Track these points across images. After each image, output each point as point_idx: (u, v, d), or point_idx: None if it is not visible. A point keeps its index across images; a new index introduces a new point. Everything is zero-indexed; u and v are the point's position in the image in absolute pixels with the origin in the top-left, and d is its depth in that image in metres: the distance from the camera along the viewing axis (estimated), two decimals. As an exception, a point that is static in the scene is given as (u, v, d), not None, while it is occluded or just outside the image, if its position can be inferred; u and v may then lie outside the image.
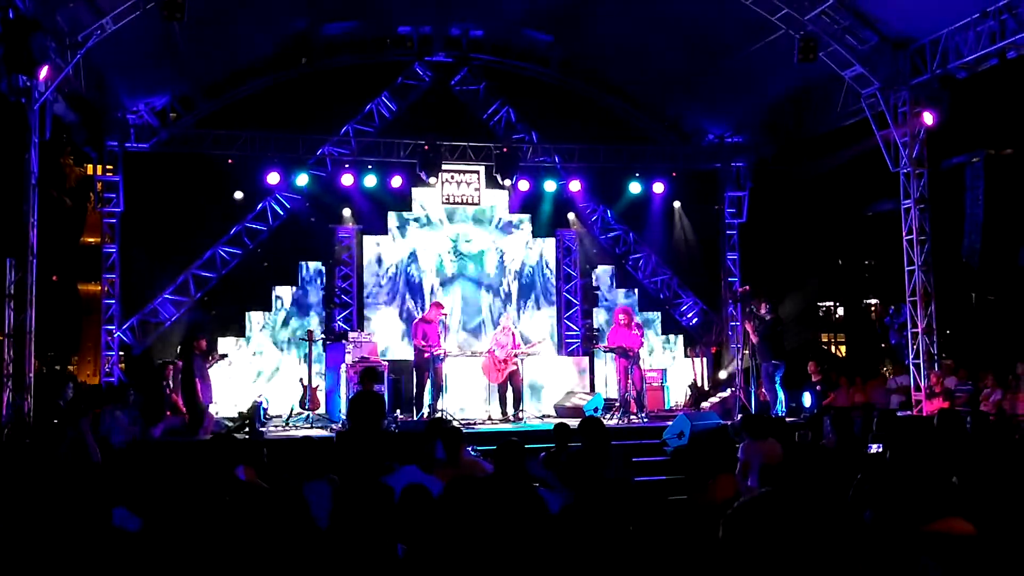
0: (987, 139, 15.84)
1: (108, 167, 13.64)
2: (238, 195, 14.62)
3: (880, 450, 6.55)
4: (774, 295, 13.31)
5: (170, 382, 11.65)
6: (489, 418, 12.47)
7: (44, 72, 9.59)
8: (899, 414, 11.24)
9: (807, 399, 12.65)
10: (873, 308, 21.61)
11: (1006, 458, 5.12)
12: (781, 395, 11.88)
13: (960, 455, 5.73)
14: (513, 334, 12.51)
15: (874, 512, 3.70)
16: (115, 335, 13.77)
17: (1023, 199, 16.54)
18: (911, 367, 12.42)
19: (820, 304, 21.97)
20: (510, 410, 12.23)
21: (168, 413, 11.26)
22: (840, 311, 22.71)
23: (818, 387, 12.57)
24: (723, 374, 14.84)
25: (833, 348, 21.85)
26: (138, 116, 13.78)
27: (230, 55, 13.81)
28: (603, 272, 16.11)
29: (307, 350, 12.47)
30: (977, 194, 16.88)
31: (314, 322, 14.63)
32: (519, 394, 12.34)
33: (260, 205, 14.68)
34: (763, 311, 12.03)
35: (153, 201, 13.88)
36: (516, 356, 12.26)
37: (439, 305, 12.42)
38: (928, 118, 11.89)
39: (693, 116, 15.87)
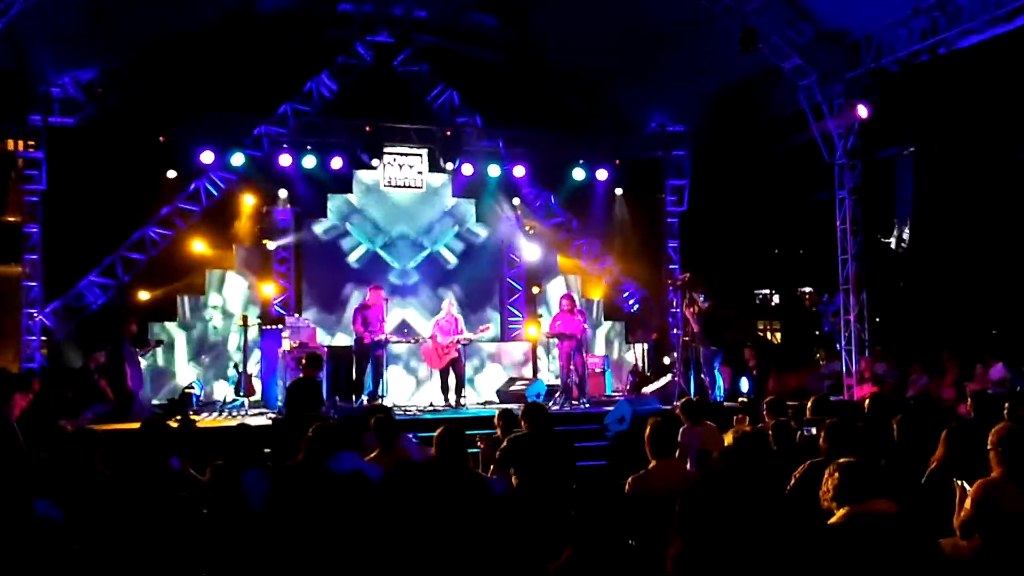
0: (917, 132, 16.28)
1: (30, 143, 13.06)
2: (171, 174, 14.16)
3: (813, 433, 6.68)
4: (713, 283, 13.48)
5: (99, 367, 11.28)
6: (431, 404, 12.37)
7: (-38, 41, 9.14)
8: (831, 399, 11.49)
9: (744, 385, 12.86)
10: (807, 296, 22.08)
11: (930, 442, 5.28)
12: (720, 381, 12.04)
13: (889, 438, 5.88)
14: (456, 319, 12.43)
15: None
16: (36, 319, 13.22)
17: (950, 192, 17.08)
18: (843, 353, 12.74)
19: (757, 292, 22.36)
20: (452, 396, 12.16)
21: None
22: (776, 299, 23.14)
23: (755, 373, 12.78)
24: (667, 360, 14.98)
25: (769, 335, 22.26)
26: (63, 90, 13.18)
27: (163, 28, 13.28)
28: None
29: (243, 336, 12.18)
30: (906, 186, 17.37)
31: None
32: (461, 380, 12.27)
33: (193, 185, 14.24)
34: (701, 299, 12.16)
35: (79, 179, 13.31)
36: (458, 342, 12.18)
37: (378, 288, 12.25)
38: (862, 111, 12.17)
39: (636, 104, 15.91)
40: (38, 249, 13.23)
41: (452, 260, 15.28)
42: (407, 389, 13.84)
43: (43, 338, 13.38)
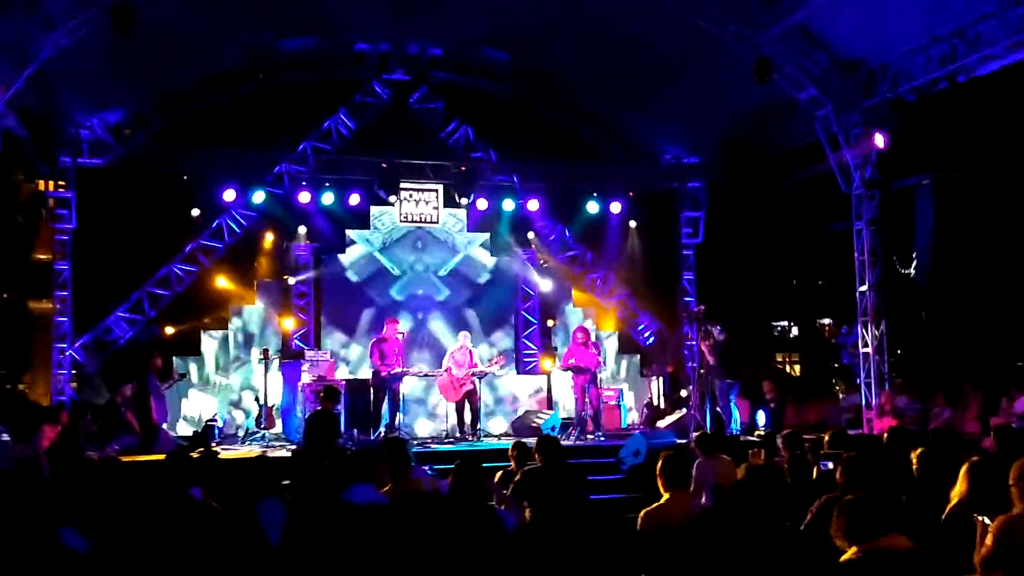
0: (937, 162, 16.22)
1: (60, 183, 13.39)
2: (195, 212, 14.45)
3: (830, 468, 6.65)
4: (730, 315, 13.46)
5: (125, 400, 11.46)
6: (447, 437, 12.42)
7: (-6, 86, 9.44)
8: (849, 432, 11.41)
9: (761, 418, 12.80)
10: (827, 328, 21.94)
11: (951, 477, 5.22)
12: (736, 414, 12.00)
13: (908, 473, 5.83)
14: (470, 352, 12.51)
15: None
16: (67, 353, 13.47)
17: (971, 221, 16.96)
18: (862, 386, 12.61)
19: (775, 324, 22.25)
20: (468, 429, 12.21)
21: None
22: (795, 331, 23.01)
23: (772, 405, 12.73)
24: (683, 393, 14.95)
25: (788, 367, 22.12)
26: (91, 131, 13.55)
27: (186, 70, 13.69)
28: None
29: (263, 369, 12.33)
30: (926, 216, 17.31)
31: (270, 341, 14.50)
32: (476, 413, 12.33)
33: (216, 222, 14.51)
34: (716, 331, 12.15)
35: (106, 218, 13.64)
36: (473, 375, 12.25)
37: (394, 322, 12.38)
38: (879, 140, 12.09)
39: (650, 136, 16.05)
40: (68, 286, 13.53)
41: (467, 294, 15.38)
42: (423, 421, 13.91)
43: (73, 371, 13.60)
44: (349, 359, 14.59)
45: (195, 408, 13.93)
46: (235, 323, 14.65)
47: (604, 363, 14.57)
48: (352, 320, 14.88)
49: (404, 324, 13.47)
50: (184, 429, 13.36)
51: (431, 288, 15.22)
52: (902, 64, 11.47)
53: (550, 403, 14.55)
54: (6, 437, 9.36)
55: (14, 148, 12.09)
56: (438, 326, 15.04)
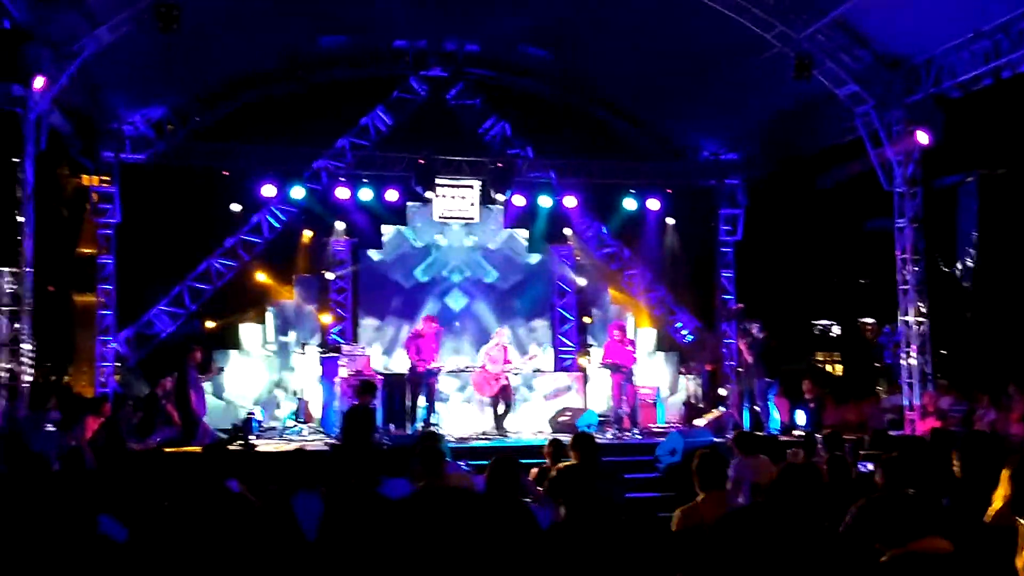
0: (981, 159, 15.87)
1: (104, 178, 13.63)
2: (235, 207, 14.63)
3: (871, 470, 6.55)
4: (770, 313, 13.30)
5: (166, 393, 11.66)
6: (483, 433, 12.44)
7: (39, 83, 9.63)
8: (891, 433, 11.22)
9: (800, 417, 12.64)
10: (868, 327, 21.59)
11: (994, 479, 5.11)
12: (775, 413, 11.87)
13: (950, 475, 5.72)
14: (505, 348, 12.52)
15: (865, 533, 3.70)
16: (110, 346, 13.71)
17: (1016, 219, 16.58)
18: (904, 387, 12.41)
19: (815, 323, 21.94)
20: (505, 424, 12.23)
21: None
22: (836, 330, 22.68)
23: (811, 405, 12.56)
24: (722, 391, 14.81)
25: (828, 367, 21.81)
26: (134, 127, 13.79)
27: (227, 67, 13.85)
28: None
29: (302, 363, 12.45)
30: (971, 214, 16.94)
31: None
32: (508, 409, 12.34)
33: (255, 218, 14.68)
34: (755, 330, 12.02)
35: (149, 212, 13.86)
36: (508, 371, 12.26)
37: (431, 319, 12.43)
38: (922, 137, 11.88)
39: (688, 132, 15.92)
40: (112, 279, 13.76)
41: (503, 290, 15.39)
42: (458, 417, 13.94)
43: (116, 364, 13.85)
44: (386, 348, 14.71)
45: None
46: (273, 317, 14.81)
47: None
48: (388, 315, 14.96)
49: (440, 319, 13.52)
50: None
51: (469, 286, 15.25)
52: (946, 60, 11.27)
53: (586, 400, 14.51)
54: (52, 428, 9.59)
55: (59, 144, 12.33)
56: (474, 322, 15.07)
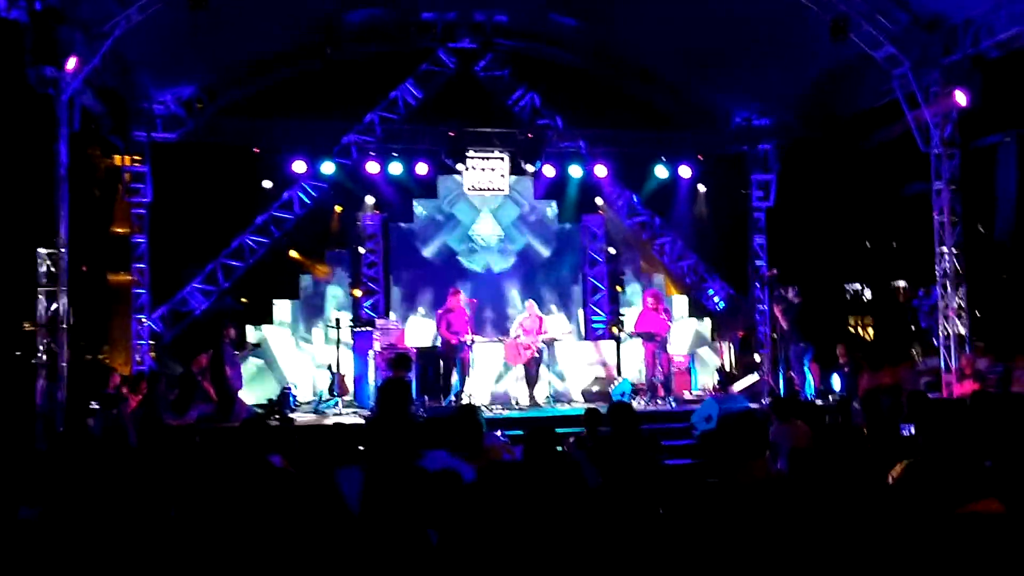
0: (1020, 119, 15.55)
1: (136, 157, 13.72)
2: (267, 184, 14.71)
3: (913, 432, 6.50)
4: (802, 278, 13.19)
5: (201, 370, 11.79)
6: (516, 403, 12.50)
7: (72, 63, 9.68)
8: (930, 396, 11.12)
9: (836, 382, 12.56)
10: (901, 290, 21.34)
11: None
12: (810, 378, 11.81)
13: (993, 437, 5.67)
14: (540, 319, 12.54)
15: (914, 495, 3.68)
16: (145, 324, 13.91)
17: (1057, 178, 16.23)
18: (941, 349, 12.29)
19: (847, 287, 21.76)
20: (536, 394, 12.29)
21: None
22: (868, 293, 22.46)
23: (846, 370, 12.46)
24: (757, 357, 14.74)
25: (860, 331, 21.64)
26: (165, 107, 13.87)
27: (255, 44, 13.83)
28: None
29: (336, 337, 12.55)
30: (1009, 173, 16.60)
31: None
32: (536, 378, 12.42)
33: (286, 194, 14.76)
34: (791, 294, 11.94)
35: (181, 191, 13.98)
36: (543, 341, 12.30)
37: (457, 292, 12.46)
38: (960, 98, 11.68)
39: (720, 99, 15.71)
40: (145, 258, 13.91)
41: (535, 260, 15.38)
42: (492, 387, 14.01)
43: (151, 342, 14.05)
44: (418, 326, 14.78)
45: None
46: (305, 292, 14.93)
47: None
48: (420, 288, 15.03)
49: (467, 291, 13.56)
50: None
51: (498, 255, 15.26)
52: (984, 20, 11.07)
53: (619, 369, 14.51)
54: (95, 406, 9.77)
55: (91, 124, 12.42)
56: (504, 292, 15.10)
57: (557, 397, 13.10)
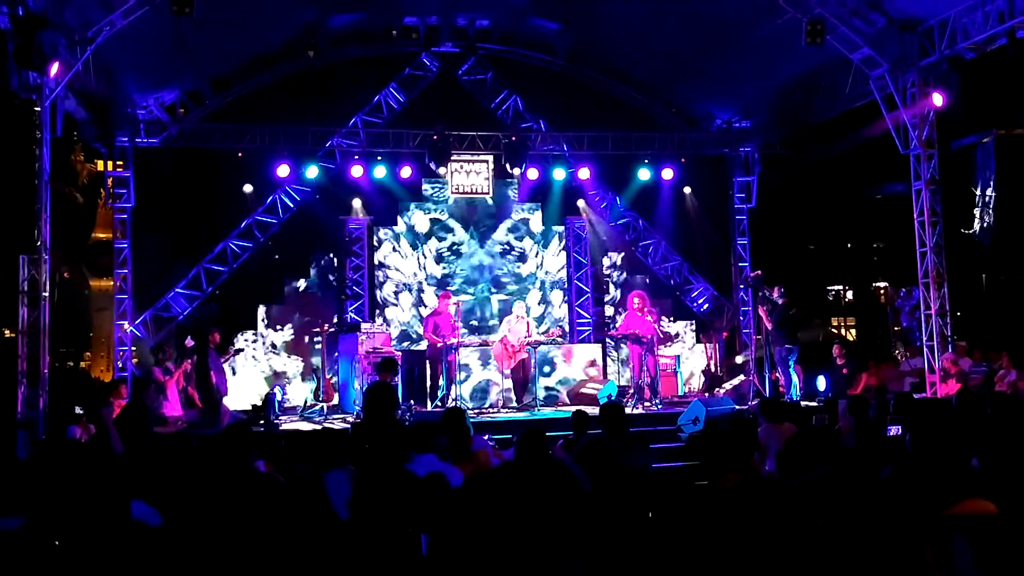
0: (997, 119, 15.73)
1: (118, 163, 13.63)
2: (248, 188, 14.64)
3: (899, 433, 6.56)
4: (784, 279, 13.28)
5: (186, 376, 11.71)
6: (504, 406, 12.50)
7: (54, 69, 9.61)
8: (915, 396, 11.23)
9: (821, 383, 12.64)
10: (882, 291, 21.54)
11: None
12: (795, 379, 11.87)
13: (980, 436, 5.72)
14: (527, 323, 12.55)
15: (900, 497, 3.70)
16: (128, 330, 13.79)
17: (1035, 179, 16.43)
18: (924, 349, 12.39)
19: (829, 288, 21.93)
20: (525, 397, 12.29)
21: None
22: (849, 294, 22.65)
23: (844, 370, 12.54)
24: (739, 359, 14.82)
25: (843, 331, 21.80)
26: (147, 111, 13.80)
27: (238, 49, 13.80)
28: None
29: (321, 342, 12.51)
30: (988, 174, 16.78)
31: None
32: (527, 381, 12.39)
33: (270, 198, 14.70)
34: (776, 295, 12.01)
35: (164, 196, 13.89)
36: (529, 344, 12.29)
37: (447, 295, 12.46)
38: (938, 99, 11.80)
39: (701, 101, 15.80)
40: (128, 264, 13.77)
41: (520, 263, 15.39)
42: (479, 391, 14.02)
43: (133, 348, 13.94)
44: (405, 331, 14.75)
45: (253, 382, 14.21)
46: (291, 296, 14.87)
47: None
48: (406, 293, 15.02)
49: (457, 296, 13.56)
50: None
51: (483, 258, 15.27)
52: (959, 21, 11.21)
53: (605, 372, 14.54)
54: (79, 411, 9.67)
55: (74, 130, 12.34)
56: (491, 297, 15.11)
57: (545, 400, 13.10)
